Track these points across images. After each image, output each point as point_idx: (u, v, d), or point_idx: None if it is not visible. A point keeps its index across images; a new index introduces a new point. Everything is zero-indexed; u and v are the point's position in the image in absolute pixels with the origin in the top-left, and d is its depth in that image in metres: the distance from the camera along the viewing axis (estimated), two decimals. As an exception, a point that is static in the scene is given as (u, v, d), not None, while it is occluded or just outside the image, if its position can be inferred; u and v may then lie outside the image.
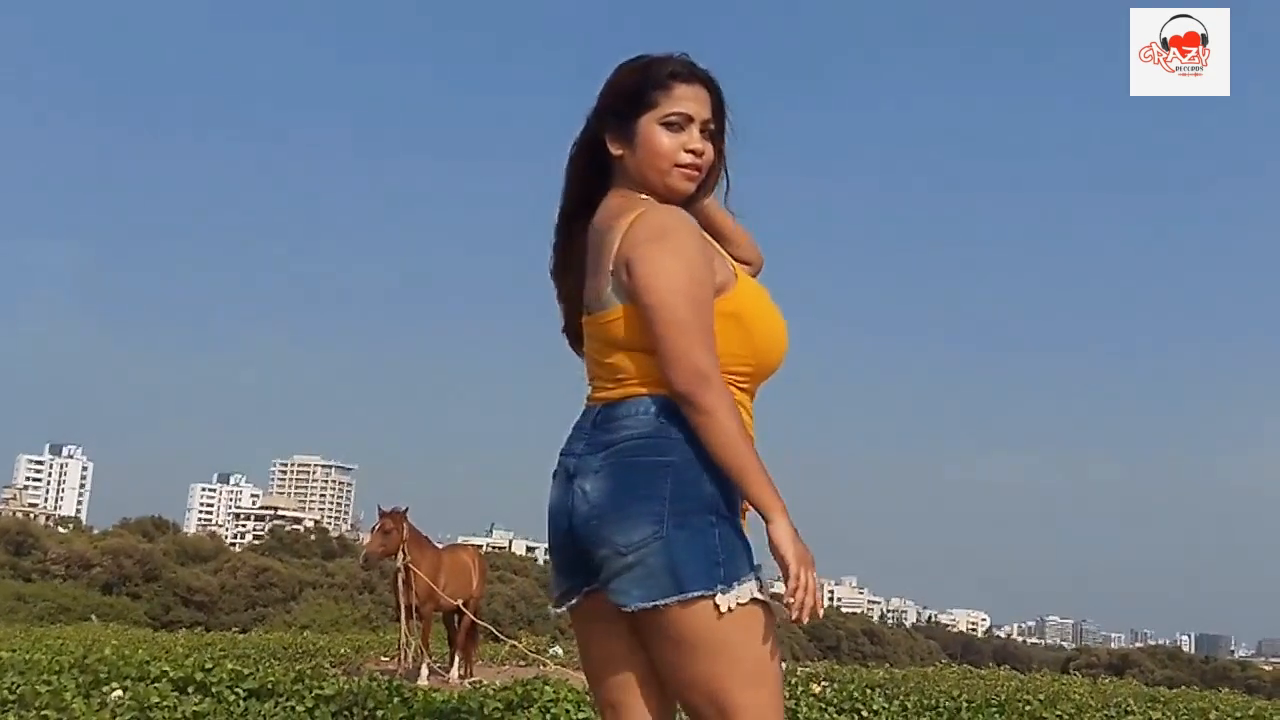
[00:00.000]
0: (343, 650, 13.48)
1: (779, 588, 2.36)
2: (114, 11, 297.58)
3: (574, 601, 2.38)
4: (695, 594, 2.19)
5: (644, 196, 2.41)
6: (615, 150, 2.43)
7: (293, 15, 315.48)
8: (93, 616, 32.76)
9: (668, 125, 2.39)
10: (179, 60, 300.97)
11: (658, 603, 2.20)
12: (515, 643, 13.77)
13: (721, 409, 2.20)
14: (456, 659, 10.38)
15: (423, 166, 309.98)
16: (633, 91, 2.41)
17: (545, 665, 11.31)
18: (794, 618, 2.19)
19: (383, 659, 12.21)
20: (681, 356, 2.21)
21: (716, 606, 2.19)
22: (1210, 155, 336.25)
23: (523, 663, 12.44)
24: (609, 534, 2.24)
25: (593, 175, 2.48)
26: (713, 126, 2.44)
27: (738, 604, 2.20)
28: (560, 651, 14.59)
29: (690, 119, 2.40)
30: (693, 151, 2.40)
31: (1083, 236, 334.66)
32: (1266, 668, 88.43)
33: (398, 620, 10.25)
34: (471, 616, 10.43)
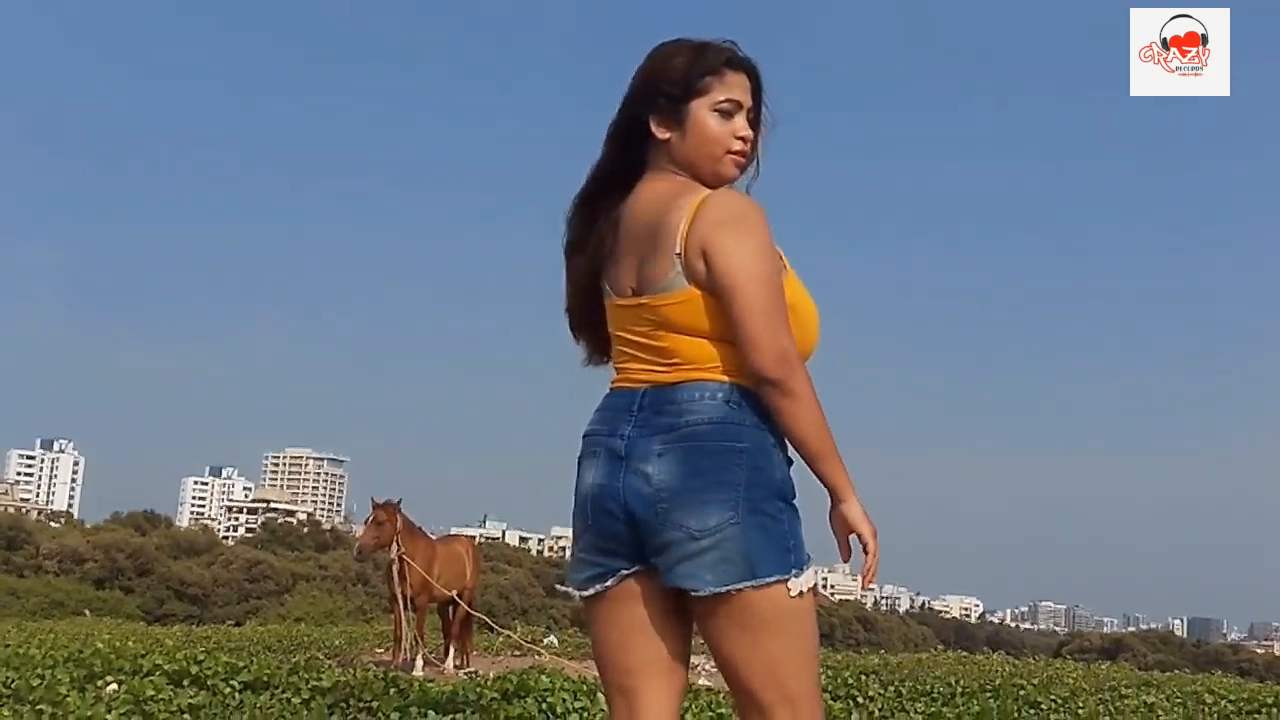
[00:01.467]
0: (337, 642, 13.46)
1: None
2: (99, 8, 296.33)
3: (608, 584, 2.37)
4: (771, 579, 2.24)
5: (689, 180, 2.42)
6: (662, 134, 2.43)
7: (270, 14, 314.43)
8: (86, 611, 32.74)
9: (720, 112, 2.41)
10: (168, 57, 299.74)
11: (733, 587, 2.23)
12: (510, 633, 13.76)
13: (809, 392, 2.27)
14: (452, 650, 10.37)
15: (410, 162, 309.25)
16: (685, 76, 2.41)
17: (540, 655, 11.30)
18: (867, 584, 2.36)
19: (377, 650, 12.20)
20: (769, 340, 2.24)
21: (788, 590, 2.26)
22: (1210, 155, 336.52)
23: (518, 653, 12.43)
24: (681, 518, 2.25)
25: (622, 158, 2.48)
26: (752, 115, 2.46)
27: (806, 589, 2.28)
28: (555, 641, 14.59)
29: (740, 106, 2.43)
30: (742, 138, 2.43)
31: (1080, 235, 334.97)
32: (1259, 651, 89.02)
33: (392, 612, 10.23)
34: (466, 607, 10.42)
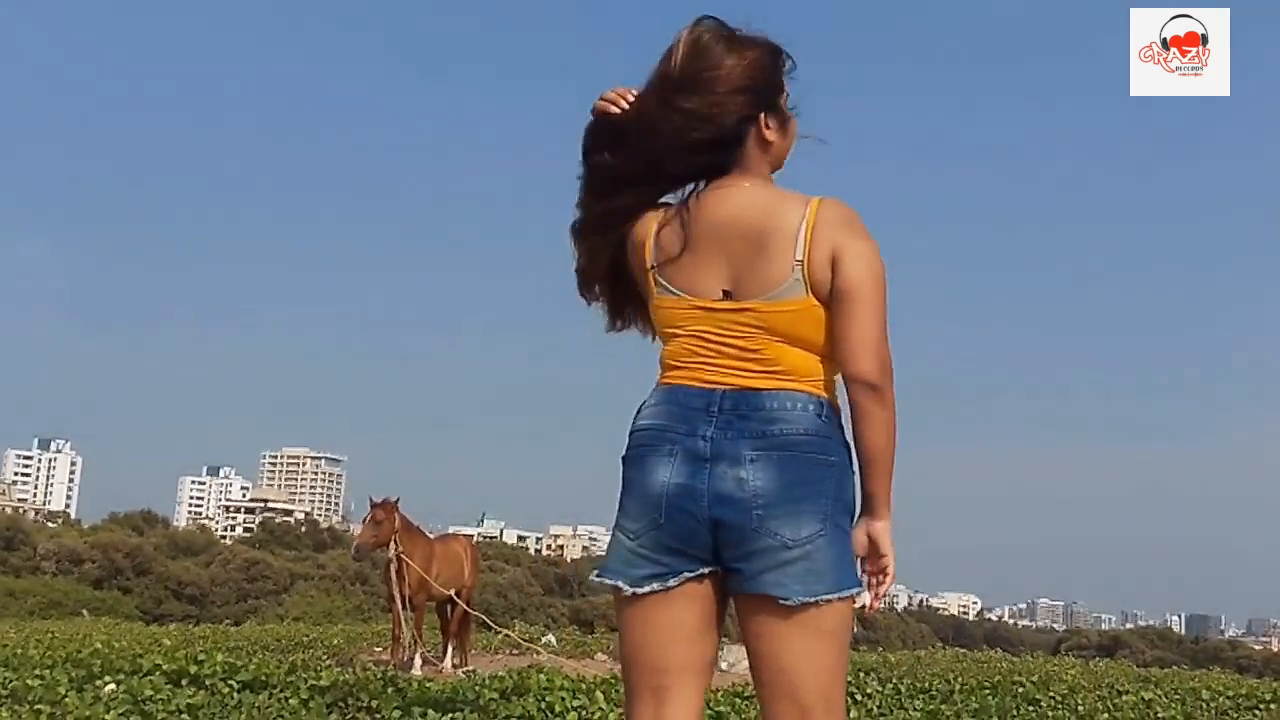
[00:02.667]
0: (335, 641, 13.45)
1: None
2: (95, 10, 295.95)
3: (668, 584, 2.34)
4: (848, 592, 2.31)
5: (771, 182, 2.46)
6: (772, 135, 2.44)
7: (273, 9, 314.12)
8: (84, 611, 32.72)
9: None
10: (161, 54, 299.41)
11: (822, 598, 2.27)
12: (508, 632, 13.75)
13: (893, 404, 2.32)
14: (450, 649, 10.37)
15: (404, 158, 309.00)
16: (777, 76, 2.44)
17: (538, 654, 11.31)
18: (875, 608, 2.44)
19: (376, 650, 12.19)
20: (879, 345, 2.30)
21: (854, 604, 2.34)
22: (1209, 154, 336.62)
23: (516, 652, 12.42)
24: (776, 526, 2.27)
25: (720, 157, 2.44)
26: None
27: (863, 603, 2.38)
28: (553, 640, 14.58)
29: None
30: None
31: (1075, 233, 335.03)
32: (1256, 647, 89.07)
33: (390, 611, 10.23)
34: (464, 606, 10.41)
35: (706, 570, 2.34)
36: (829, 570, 2.27)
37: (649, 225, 2.46)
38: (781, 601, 2.26)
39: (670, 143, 2.38)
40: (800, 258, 2.30)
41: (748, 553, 2.28)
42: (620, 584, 2.37)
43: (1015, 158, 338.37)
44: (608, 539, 2.54)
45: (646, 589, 2.35)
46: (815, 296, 2.31)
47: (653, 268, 2.43)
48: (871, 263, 2.31)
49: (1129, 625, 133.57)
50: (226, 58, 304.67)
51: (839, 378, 2.39)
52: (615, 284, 2.56)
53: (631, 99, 2.44)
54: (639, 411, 2.46)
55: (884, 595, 2.43)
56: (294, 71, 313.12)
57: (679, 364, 2.41)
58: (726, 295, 2.36)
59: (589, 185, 2.50)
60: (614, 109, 2.45)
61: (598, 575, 2.44)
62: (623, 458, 2.44)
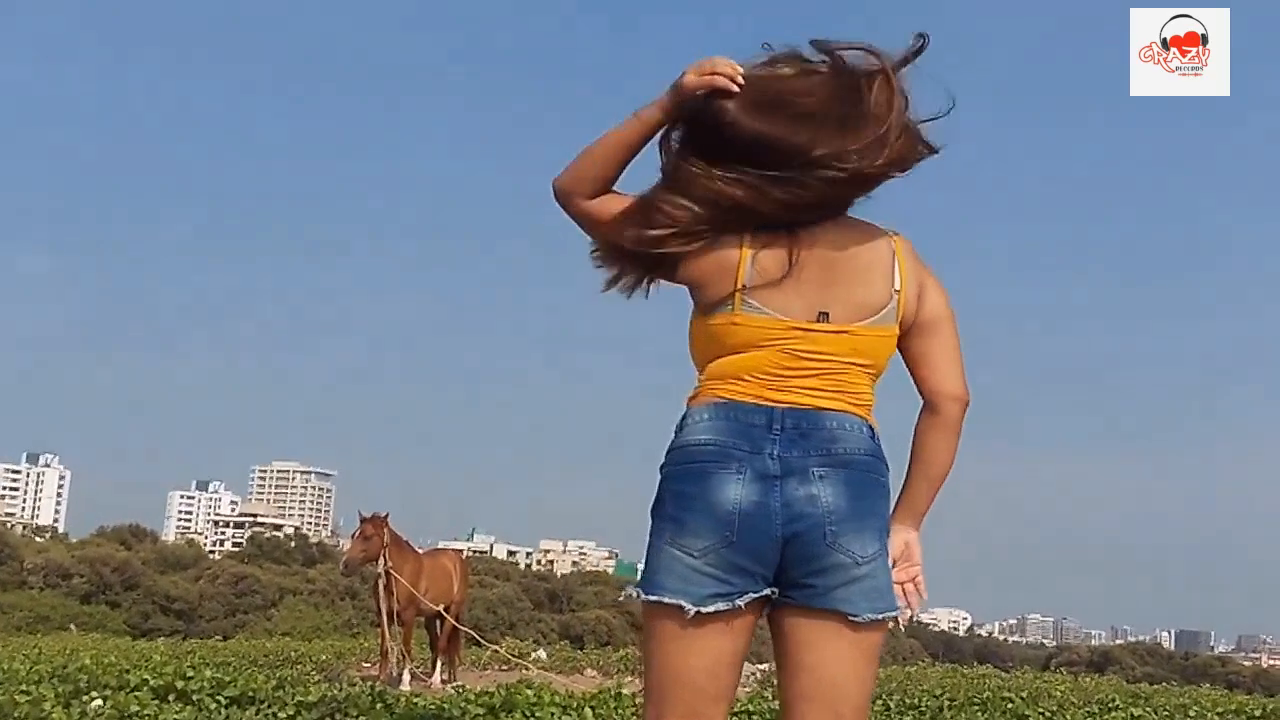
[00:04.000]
0: (324, 657, 13.41)
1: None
2: (94, 16, 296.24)
3: (735, 604, 2.31)
4: (897, 612, 2.41)
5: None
6: None
7: (273, 20, 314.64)
8: (71, 626, 32.60)
9: None
10: (167, 64, 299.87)
11: (886, 615, 2.35)
12: (498, 647, 13.74)
13: None
14: (439, 664, 10.36)
15: (398, 173, 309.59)
16: None
17: (528, 669, 11.29)
18: (907, 617, 2.54)
19: (364, 665, 12.17)
20: (962, 369, 2.50)
21: (894, 622, 2.41)
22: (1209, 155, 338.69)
23: (505, 667, 12.41)
24: (847, 543, 2.31)
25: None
26: None
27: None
28: (544, 655, 14.57)
29: None
30: None
31: (1075, 236, 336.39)
32: (1246, 663, 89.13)
33: (379, 626, 10.22)
34: (453, 621, 10.41)
35: (767, 590, 2.33)
36: (887, 589, 2.37)
37: (741, 248, 2.40)
38: (851, 618, 2.31)
39: (874, 172, 2.38)
40: (897, 288, 2.41)
41: (820, 569, 2.30)
42: (683, 603, 2.30)
43: (1015, 158, 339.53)
44: (646, 555, 2.41)
45: (711, 608, 2.30)
46: (900, 325, 2.43)
47: (743, 288, 2.39)
48: (948, 296, 2.50)
49: (1119, 641, 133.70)
50: (228, 66, 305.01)
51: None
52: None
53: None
54: (686, 425, 2.42)
55: (918, 608, 2.51)
56: (297, 82, 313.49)
57: (742, 379, 2.38)
58: (822, 317, 2.39)
59: (751, 160, 2.35)
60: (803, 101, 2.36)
61: (648, 594, 2.34)
62: (670, 472, 2.40)
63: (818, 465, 2.32)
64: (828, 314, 2.39)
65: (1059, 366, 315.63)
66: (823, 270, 2.39)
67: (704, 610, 2.29)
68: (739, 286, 2.39)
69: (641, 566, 2.44)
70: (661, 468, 2.42)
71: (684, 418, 2.43)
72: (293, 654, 13.74)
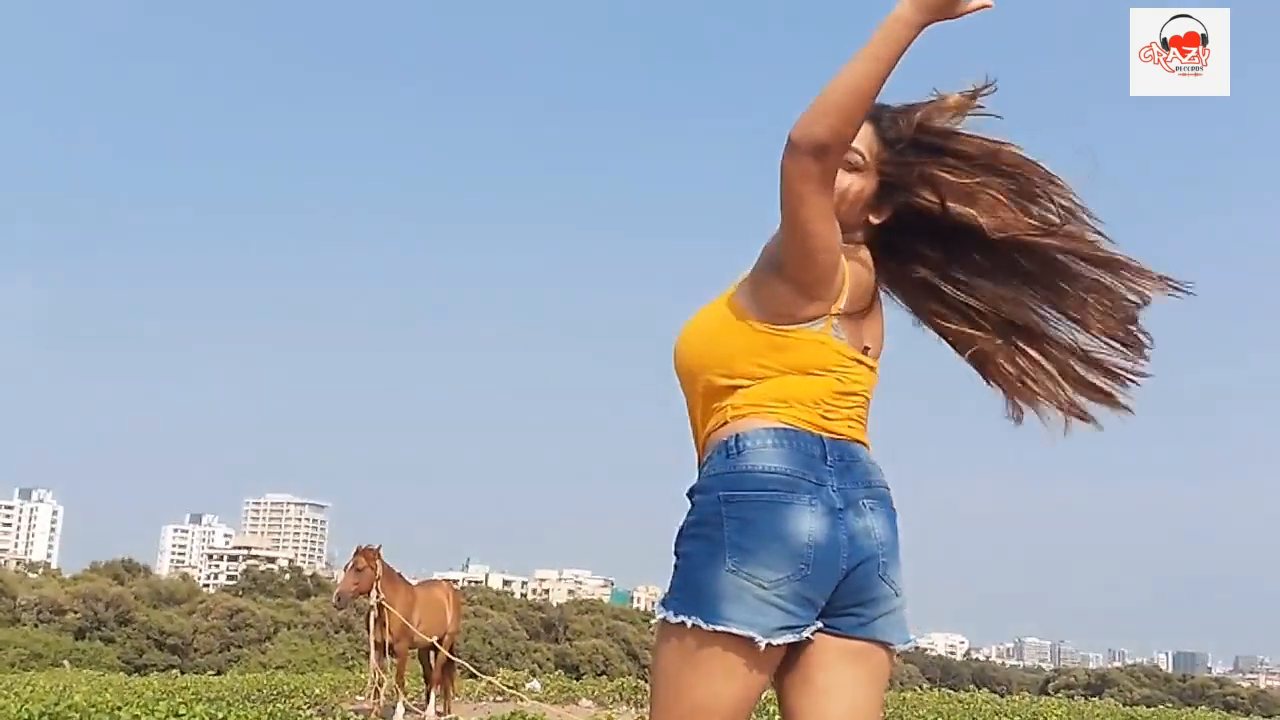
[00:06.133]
0: (318, 690, 13.36)
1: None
2: (82, 38, 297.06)
3: (802, 636, 2.28)
4: (913, 640, 2.44)
5: None
6: None
7: (265, 41, 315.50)
8: (65, 663, 32.42)
9: None
10: (149, 89, 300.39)
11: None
12: (492, 679, 13.69)
13: None
14: (433, 696, 10.32)
15: (386, 196, 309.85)
16: None
17: (522, 700, 11.25)
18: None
19: (358, 698, 12.12)
20: None
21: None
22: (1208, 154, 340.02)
23: (500, 698, 12.36)
24: (892, 575, 2.36)
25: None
26: None
27: None
28: (538, 686, 14.51)
29: None
30: None
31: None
32: (1244, 684, 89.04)
33: (370, 659, 10.18)
34: (446, 653, 10.37)
35: (815, 625, 2.29)
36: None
37: (846, 265, 2.39)
38: (890, 647, 2.37)
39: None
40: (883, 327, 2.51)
41: (869, 599, 2.31)
42: (754, 635, 2.20)
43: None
44: (690, 580, 2.26)
45: (779, 641, 2.23)
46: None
47: (840, 312, 2.37)
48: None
49: (1116, 663, 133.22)
50: (213, 88, 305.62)
51: None
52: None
53: None
54: (746, 449, 2.30)
55: None
56: (288, 107, 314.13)
57: (803, 403, 2.34)
58: (865, 351, 2.43)
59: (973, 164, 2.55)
60: None
61: (710, 623, 2.20)
62: (733, 497, 2.27)
63: (865, 498, 2.32)
64: (869, 348, 2.44)
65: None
66: (868, 303, 2.44)
67: (773, 643, 2.21)
68: (839, 309, 2.36)
69: (675, 591, 2.28)
70: (715, 490, 2.29)
71: (740, 439, 2.31)
72: (286, 688, 13.68)
